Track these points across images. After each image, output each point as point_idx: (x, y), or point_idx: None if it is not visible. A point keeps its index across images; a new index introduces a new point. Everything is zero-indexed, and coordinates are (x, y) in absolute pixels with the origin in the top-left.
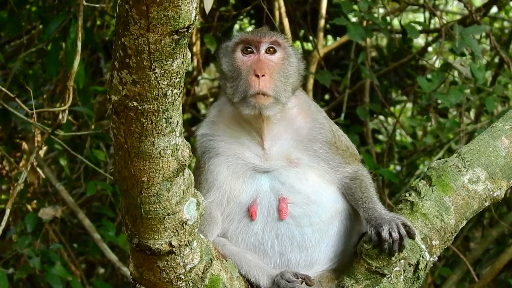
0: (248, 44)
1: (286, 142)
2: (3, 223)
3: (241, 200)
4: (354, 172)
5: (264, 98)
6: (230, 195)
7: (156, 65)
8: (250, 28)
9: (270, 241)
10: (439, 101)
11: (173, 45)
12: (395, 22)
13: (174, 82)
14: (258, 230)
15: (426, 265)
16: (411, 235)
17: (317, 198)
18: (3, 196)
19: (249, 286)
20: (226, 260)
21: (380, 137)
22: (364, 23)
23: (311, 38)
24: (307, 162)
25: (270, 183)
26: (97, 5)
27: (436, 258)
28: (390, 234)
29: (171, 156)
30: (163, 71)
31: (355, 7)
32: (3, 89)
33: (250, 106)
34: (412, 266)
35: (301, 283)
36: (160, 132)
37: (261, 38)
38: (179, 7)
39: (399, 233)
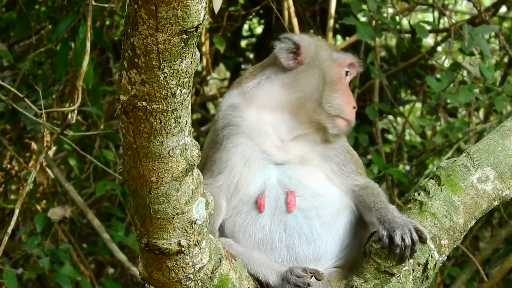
0: (350, 69)
1: (308, 145)
2: (12, 223)
3: (249, 191)
4: (365, 183)
5: (349, 128)
6: (239, 181)
7: (165, 65)
8: (259, 29)
9: (278, 234)
10: (448, 101)
11: (182, 44)
12: (404, 21)
13: (183, 81)
14: (266, 223)
15: (435, 264)
16: (422, 240)
17: (323, 192)
18: (12, 196)
19: (258, 286)
20: (235, 260)
21: (390, 136)
22: (373, 22)
23: (320, 38)
24: (317, 163)
25: (277, 177)
26: (106, 5)
27: (445, 257)
28: (403, 239)
29: (180, 155)
30: (172, 71)
31: (364, 6)
32: (12, 89)
33: (336, 128)
34: (421, 266)
35: (311, 278)
36: (169, 132)
37: (360, 69)
38: (188, 7)
39: (411, 238)
